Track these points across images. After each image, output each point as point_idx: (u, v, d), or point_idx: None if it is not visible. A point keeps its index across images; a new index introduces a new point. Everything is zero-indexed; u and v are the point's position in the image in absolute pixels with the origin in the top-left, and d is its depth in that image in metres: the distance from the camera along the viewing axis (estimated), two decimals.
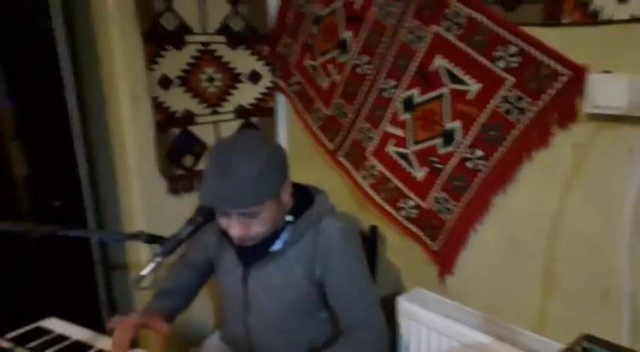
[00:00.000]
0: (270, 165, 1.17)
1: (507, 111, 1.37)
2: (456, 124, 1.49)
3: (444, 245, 1.61)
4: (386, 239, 1.81)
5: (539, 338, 1.39)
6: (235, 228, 1.18)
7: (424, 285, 1.68)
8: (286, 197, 1.26)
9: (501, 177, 1.43)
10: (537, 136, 1.34)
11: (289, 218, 1.30)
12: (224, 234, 1.35)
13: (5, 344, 1.26)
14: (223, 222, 1.21)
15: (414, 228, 1.67)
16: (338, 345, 1.26)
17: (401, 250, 1.77)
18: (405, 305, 1.58)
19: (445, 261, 1.62)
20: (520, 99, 1.34)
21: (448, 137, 1.51)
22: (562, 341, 1.34)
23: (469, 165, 1.48)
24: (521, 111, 1.35)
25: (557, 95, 1.28)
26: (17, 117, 1.86)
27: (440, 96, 1.51)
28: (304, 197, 1.34)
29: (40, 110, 1.88)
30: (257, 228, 1.20)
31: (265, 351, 1.40)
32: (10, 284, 1.72)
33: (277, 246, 1.31)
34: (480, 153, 1.45)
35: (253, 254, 1.31)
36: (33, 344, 1.28)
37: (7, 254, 1.75)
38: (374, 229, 1.73)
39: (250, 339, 1.40)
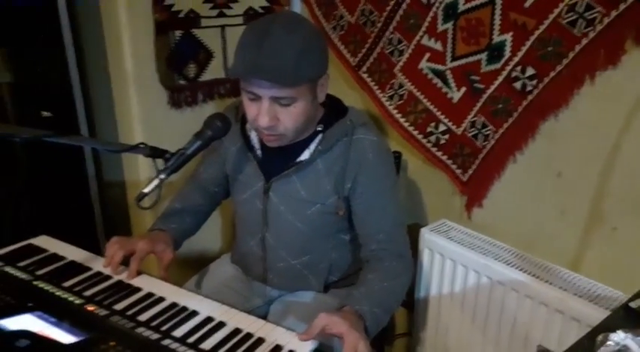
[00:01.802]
0: (314, 43, 1.05)
1: (572, 23, 1.17)
2: (507, 37, 1.29)
3: (476, 175, 1.47)
4: (409, 166, 1.66)
5: (578, 277, 1.29)
6: (264, 115, 1.05)
7: (449, 218, 1.56)
8: (322, 95, 1.13)
9: (554, 100, 1.26)
10: (605, 54, 1.16)
11: (319, 127, 1.18)
12: (246, 143, 1.22)
13: None
14: (252, 108, 1.08)
15: (443, 156, 1.52)
16: (367, 277, 1.16)
17: (425, 179, 1.63)
18: (429, 237, 1.47)
19: (475, 192, 1.48)
20: (590, 7, 1.14)
21: (495, 52, 1.32)
22: (603, 281, 1.25)
23: (517, 85, 1.30)
24: (590, 22, 1.15)
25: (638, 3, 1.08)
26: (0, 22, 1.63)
27: (490, 2, 1.30)
28: (336, 107, 1.22)
29: (26, 11, 1.64)
30: (287, 121, 1.08)
31: (280, 272, 1.31)
32: None
33: (305, 155, 1.19)
34: (531, 71, 1.27)
35: (277, 165, 1.19)
36: (24, 262, 1.15)
37: None
38: (397, 156, 1.58)
39: (266, 259, 1.31)
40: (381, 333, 1.62)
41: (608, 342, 0.64)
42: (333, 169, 1.18)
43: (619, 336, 0.65)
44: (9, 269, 1.11)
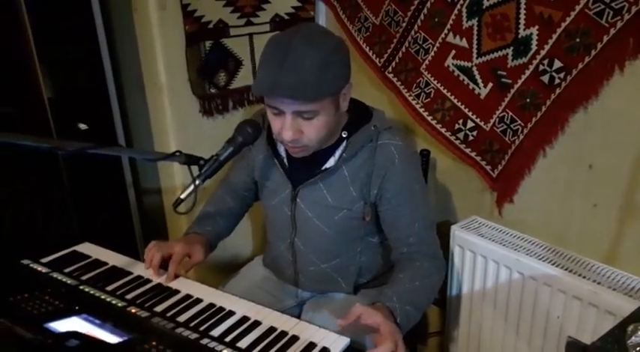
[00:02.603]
0: (336, 56, 1.04)
1: (599, 13, 1.15)
2: (533, 31, 1.28)
3: (505, 170, 1.45)
4: (437, 164, 1.66)
5: (612, 270, 1.26)
6: (287, 129, 1.07)
7: (479, 214, 1.55)
8: (345, 104, 1.14)
9: (583, 92, 1.24)
10: (634, 43, 1.13)
11: (344, 134, 1.19)
12: (273, 152, 1.25)
13: (41, 269, 1.20)
14: (275, 122, 1.09)
15: (472, 153, 1.51)
16: (398, 276, 1.17)
17: (454, 177, 1.63)
18: (460, 234, 1.46)
19: (505, 188, 1.47)
20: None
21: (522, 46, 1.31)
22: (636, 273, 1.23)
23: (545, 79, 1.29)
24: (617, 12, 1.13)
25: None
26: (40, 38, 1.71)
27: None
28: (360, 112, 1.22)
29: (64, 28, 1.72)
30: (311, 133, 1.09)
31: (311, 275, 1.34)
32: (41, 208, 1.66)
33: (330, 163, 1.20)
34: (559, 64, 1.26)
35: (303, 172, 1.21)
36: (70, 268, 1.21)
37: (39, 178, 1.68)
38: (425, 154, 1.58)
39: (296, 262, 1.33)
40: (414, 332, 1.63)
41: (639, 332, 0.64)
42: (359, 175, 1.19)
43: None
44: (56, 275, 1.18)
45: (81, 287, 1.13)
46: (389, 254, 1.28)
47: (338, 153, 1.20)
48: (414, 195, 1.20)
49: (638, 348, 0.62)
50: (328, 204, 1.21)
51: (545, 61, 1.28)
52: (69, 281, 1.15)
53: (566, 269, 1.27)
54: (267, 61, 1.04)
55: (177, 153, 1.10)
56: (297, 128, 1.07)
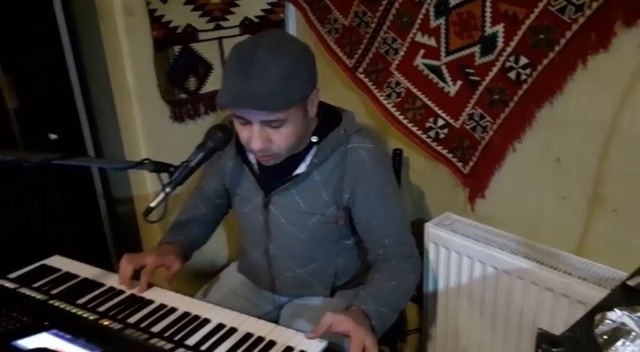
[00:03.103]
0: (300, 64, 1.03)
1: (562, 9, 1.18)
2: (499, 28, 1.30)
3: (477, 166, 1.47)
4: (410, 163, 1.67)
5: (582, 260, 1.29)
6: (256, 139, 1.05)
7: (453, 211, 1.57)
8: (313, 110, 1.12)
9: (549, 87, 1.26)
10: (596, 37, 1.16)
11: (314, 139, 1.18)
12: (243, 159, 1.23)
13: (9, 285, 1.16)
14: (243, 132, 1.08)
15: (443, 150, 1.53)
16: (374, 277, 1.17)
17: (427, 174, 1.64)
18: (433, 231, 1.47)
19: (477, 183, 1.49)
20: None
21: (488, 44, 1.33)
22: (606, 262, 1.25)
23: (511, 75, 1.31)
24: (579, 8, 1.15)
25: None
26: (2, 47, 1.66)
27: None
28: (330, 116, 1.21)
29: (27, 36, 1.67)
30: (279, 141, 1.07)
31: (287, 281, 1.32)
32: (10, 221, 1.61)
33: (301, 168, 1.19)
34: (524, 61, 1.28)
35: (274, 178, 1.20)
36: (39, 283, 1.18)
37: (6, 190, 1.64)
38: (398, 153, 1.59)
39: (272, 269, 1.32)
40: (393, 329, 1.63)
41: (606, 320, 0.66)
42: (330, 180, 1.18)
43: (616, 314, 0.66)
44: (25, 291, 1.15)
45: (50, 301, 1.11)
46: (365, 255, 1.29)
47: (309, 158, 1.19)
48: (386, 197, 1.20)
49: (605, 336, 0.64)
50: (301, 210, 1.21)
51: (512, 58, 1.30)
52: (38, 297, 1.12)
53: (538, 262, 1.29)
54: (231, 72, 1.02)
55: (146, 161, 1.08)
56: (265, 137, 1.06)
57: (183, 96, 1.66)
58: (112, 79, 1.64)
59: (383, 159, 1.23)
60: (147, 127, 1.62)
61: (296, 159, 1.18)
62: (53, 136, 1.74)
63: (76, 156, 1.00)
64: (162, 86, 1.60)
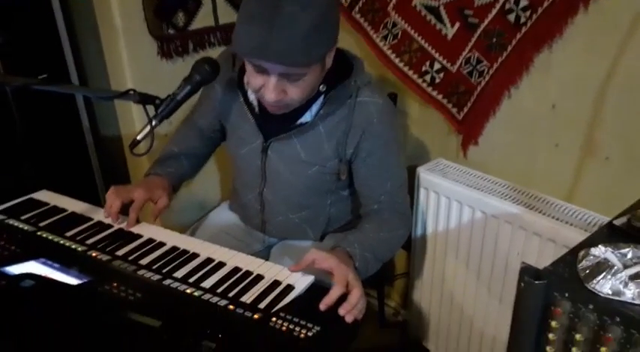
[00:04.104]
0: (327, 19, 0.97)
1: None
2: None
3: (471, 112, 1.45)
4: (405, 107, 1.65)
5: (571, 207, 1.29)
6: (272, 91, 1.00)
7: (445, 157, 1.56)
8: (329, 61, 1.07)
9: (548, 30, 1.23)
10: None
11: (322, 88, 1.12)
12: (243, 97, 1.19)
13: None
14: (257, 80, 1.02)
15: (438, 95, 1.50)
16: (364, 226, 1.18)
17: (421, 119, 1.62)
18: (424, 176, 1.47)
19: (470, 130, 1.48)
20: None
21: None
22: (595, 210, 1.26)
23: (510, 17, 1.27)
24: None
25: None
26: None
27: None
28: (341, 64, 1.14)
29: None
30: (295, 94, 1.03)
31: (278, 225, 1.33)
32: None
33: (306, 118, 1.15)
34: (525, 2, 1.24)
35: (275, 124, 1.16)
36: (26, 215, 1.18)
37: None
38: (392, 97, 1.56)
39: (264, 212, 1.32)
40: (380, 274, 1.66)
41: (589, 256, 0.66)
42: (335, 133, 1.15)
43: (599, 250, 0.66)
44: (12, 222, 1.14)
45: (39, 233, 1.11)
46: (358, 206, 1.29)
47: (315, 108, 1.14)
48: (389, 155, 1.19)
49: (587, 271, 0.64)
50: (301, 159, 1.18)
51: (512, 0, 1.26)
52: (26, 228, 1.12)
53: (527, 207, 1.29)
54: (253, 19, 0.94)
55: (131, 92, 1.05)
56: (281, 89, 1.01)
57: (172, 32, 1.60)
58: (97, 13, 1.57)
59: (391, 115, 1.19)
60: (134, 64, 1.57)
61: (302, 107, 1.12)
62: (42, 76, 1.69)
63: (57, 84, 0.96)
64: (149, 20, 1.53)
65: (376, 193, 1.21)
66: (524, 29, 1.26)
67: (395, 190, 1.21)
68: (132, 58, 1.56)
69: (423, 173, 1.47)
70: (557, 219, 1.23)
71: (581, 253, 0.68)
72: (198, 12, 1.64)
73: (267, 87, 1.01)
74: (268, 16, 0.92)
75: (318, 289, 0.97)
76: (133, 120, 1.60)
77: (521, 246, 1.28)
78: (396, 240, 1.21)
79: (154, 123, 1.05)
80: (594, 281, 0.63)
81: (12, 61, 1.60)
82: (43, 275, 0.90)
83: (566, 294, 0.64)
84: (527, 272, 0.66)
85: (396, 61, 1.56)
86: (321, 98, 1.13)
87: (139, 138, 1.05)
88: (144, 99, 1.05)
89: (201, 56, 1.64)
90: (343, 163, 1.18)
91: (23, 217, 1.17)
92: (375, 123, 1.14)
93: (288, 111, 1.10)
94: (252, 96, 1.19)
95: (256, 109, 1.19)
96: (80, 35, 1.70)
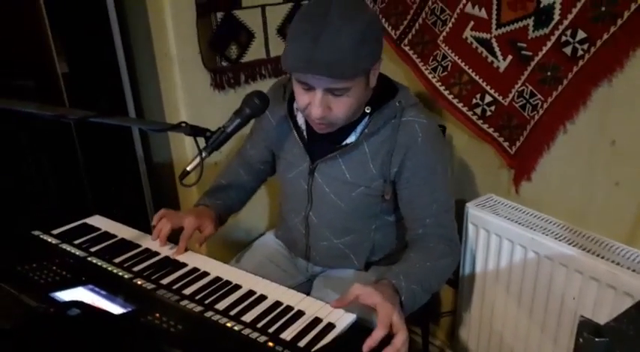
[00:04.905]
0: (371, 32, 1.00)
1: None
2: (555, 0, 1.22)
3: (523, 147, 1.41)
4: (454, 141, 1.61)
5: (633, 250, 1.22)
6: (317, 106, 1.03)
7: (496, 192, 1.51)
8: (374, 80, 1.09)
9: (607, 64, 1.18)
10: None
11: (367, 109, 1.14)
12: (293, 124, 1.21)
13: (52, 240, 1.20)
14: (304, 98, 1.06)
15: (489, 129, 1.46)
16: (409, 255, 1.14)
17: (471, 153, 1.58)
18: (474, 212, 1.43)
19: (523, 165, 1.43)
20: None
21: (543, 16, 1.25)
22: None
23: (567, 51, 1.23)
24: None
25: None
26: (53, 16, 1.70)
27: None
28: (386, 86, 1.17)
29: (75, 4, 1.70)
30: (339, 110, 1.05)
31: (322, 250, 1.32)
32: (55, 181, 1.67)
33: (351, 138, 1.17)
34: (582, 35, 1.20)
35: (322, 146, 1.18)
36: (79, 240, 1.22)
37: (54, 151, 1.69)
38: (441, 129, 1.53)
39: (309, 237, 1.32)
40: (426, 311, 1.60)
41: None
42: (379, 152, 1.15)
43: None
44: (65, 247, 1.18)
45: (89, 258, 1.14)
46: (404, 233, 1.26)
47: (360, 128, 1.16)
48: (434, 176, 1.16)
49: None
50: (346, 180, 1.19)
51: (568, 32, 1.22)
52: (77, 253, 1.16)
53: (584, 249, 1.22)
54: (301, 35, 0.99)
55: (183, 124, 1.08)
56: (326, 105, 1.04)
57: (225, 64, 1.65)
58: (155, 45, 1.64)
59: (436, 136, 1.18)
60: (188, 94, 1.62)
61: (347, 128, 1.15)
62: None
63: (113, 116, 1.00)
64: (204, 53, 1.59)
65: (421, 216, 1.17)
66: (581, 63, 1.22)
67: (441, 214, 1.18)
68: (186, 88, 1.61)
69: (473, 209, 1.42)
70: (617, 264, 1.15)
71: None
72: (251, 45, 1.68)
73: (312, 103, 1.04)
74: (315, 31, 0.96)
75: (360, 328, 0.95)
76: (185, 151, 1.65)
77: (577, 290, 1.21)
78: (443, 270, 1.16)
79: (203, 155, 1.07)
80: None
81: (74, 91, 1.69)
82: (90, 302, 0.91)
83: None
84: (587, 328, 0.62)
85: (446, 93, 1.53)
86: (366, 119, 1.15)
87: (188, 169, 1.08)
88: (195, 131, 1.08)
89: (252, 88, 1.72)
90: (388, 184, 1.17)
91: (76, 242, 1.21)
92: (419, 142, 1.13)
93: (333, 129, 1.12)
94: (301, 121, 1.23)
95: (304, 133, 1.22)
96: (138, 66, 1.78)
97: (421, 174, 1.15)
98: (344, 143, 1.17)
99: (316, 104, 1.03)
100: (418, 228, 1.18)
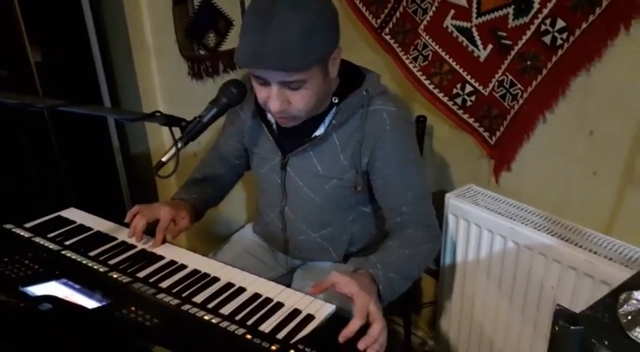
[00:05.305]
0: (322, 20, 0.97)
1: None
2: None
3: (503, 137, 1.41)
4: (434, 131, 1.61)
5: (610, 239, 1.23)
6: (274, 100, 1.01)
7: (476, 183, 1.51)
8: (334, 70, 1.07)
9: (586, 53, 1.18)
10: None
11: (334, 99, 1.13)
12: (262, 118, 1.20)
13: (24, 234, 1.17)
14: (261, 93, 1.04)
15: (470, 119, 1.46)
16: (387, 244, 1.13)
17: (451, 144, 1.58)
18: (454, 202, 1.43)
19: (503, 155, 1.43)
20: None
21: (523, 5, 1.24)
22: (636, 243, 1.20)
23: (546, 39, 1.23)
24: None
25: None
26: (27, 5, 1.65)
27: None
28: (353, 76, 1.15)
29: None
30: (299, 103, 1.03)
31: (301, 244, 1.31)
32: (27, 172, 1.63)
33: (320, 130, 1.15)
34: (561, 24, 1.19)
35: (293, 140, 1.16)
36: (53, 234, 1.19)
37: (27, 143, 1.65)
38: (422, 120, 1.52)
39: (286, 231, 1.31)
40: (407, 301, 1.61)
41: (632, 300, 0.61)
42: (349, 143, 1.14)
43: None
44: (39, 240, 1.15)
45: (63, 252, 1.11)
46: (382, 223, 1.25)
47: (328, 119, 1.14)
48: (406, 163, 1.15)
49: (629, 317, 0.59)
50: (318, 173, 1.18)
51: (548, 21, 1.21)
52: (51, 246, 1.13)
53: (562, 239, 1.23)
54: (248, 29, 0.98)
55: (157, 114, 1.05)
56: (284, 98, 1.02)
57: (202, 52, 1.62)
58: (131, 33, 1.60)
59: (405, 123, 1.17)
60: (165, 83, 1.59)
61: (315, 120, 1.14)
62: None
63: (84, 105, 0.97)
64: (180, 41, 1.56)
65: (397, 204, 1.16)
66: (560, 52, 1.22)
67: (417, 201, 1.17)
68: (163, 77, 1.58)
69: (453, 199, 1.42)
70: (595, 253, 1.16)
71: (623, 296, 0.63)
72: (229, 33, 1.65)
73: (270, 97, 1.02)
74: (262, 24, 0.94)
75: (339, 319, 0.94)
76: (163, 141, 1.62)
77: (555, 279, 1.22)
78: (422, 256, 1.15)
79: (179, 145, 1.05)
80: (637, 330, 0.58)
81: (48, 80, 1.65)
82: (63, 297, 0.89)
83: (606, 342, 0.59)
84: (562, 316, 0.62)
85: (426, 83, 1.53)
86: (334, 109, 1.14)
87: (164, 159, 1.05)
88: (170, 121, 1.06)
89: (231, 77, 1.70)
90: (360, 174, 1.16)
91: (50, 235, 1.18)
92: (387, 131, 1.12)
93: (297, 123, 1.10)
94: (270, 115, 1.20)
95: (274, 127, 1.21)
96: (113, 55, 1.74)
97: (393, 162, 1.14)
98: (313, 135, 1.15)
99: (273, 98, 1.01)
100: (396, 216, 1.17)
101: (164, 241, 1.17)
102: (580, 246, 1.20)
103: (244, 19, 1.01)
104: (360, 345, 0.86)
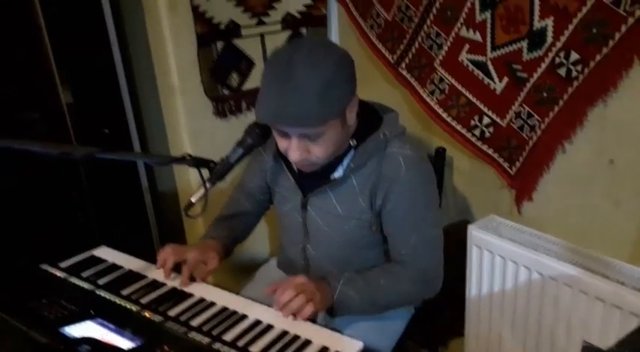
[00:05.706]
0: (338, 76, 1.00)
1: (617, 1, 1.11)
2: (548, 22, 1.24)
3: (524, 167, 1.42)
4: (454, 162, 1.63)
5: (635, 269, 1.21)
6: (294, 150, 1.05)
7: (498, 213, 1.52)
8: (352, 117, 1.10)
9: (602, 84, 1.19)
10: None
11: (352, 142, 1.15)
12: (282, 159, 1.24)
13: (60, 274, 1.22)
14: (282, 143, 1.08)
15: (489, 150, 1.48)
16: (373, 268, 1.19)
17: (471, 175, 1.59)
18: (477, 234, 1.43)
19: (524, 185, 1.43)
20: None
21: (537, 39, 1.27)
22: None
23: (561, 72, 1.25)
24: (636, 0, 1.08)
25: None
26: (56, 44, 1.74)
27: None
28: (370, 117, 1.18)
29: (79, 36, 1.74)
30: (318, 152, 1.06)
31: None
32: (61, 212, 1.69)
33: (338, 172, 1.18)
34: (575, 56, 1.21)
35: (312, 181, 1.20)
36: (86, 273, 1.23)
37: (59, 183, 1.71)
38: (441, 152, 1.55)
39: (309, 268, 1.33)
40: (434, 333, 1.60)
41: None
42: (367, 185, 1.16)
43: None
44: (73, 280, 1.20)
45: (97, 291, 1.15)
46: None
47: (346, 162, 1.17)
48: (416, 209, 1.17)
49: None
50: (338, 214, 1.20)
51: (562, 54, 1.24)
52: (85, 286, 1.17)
53: (587, 269, 1.22)
54: (267, 86, 1.01)
55: (186, 157, 1.10)
56: (304, 148, 1.06)
57: (226, 92, 1.68)
58: (157, 75, 1.68)
59: (421, 167, 1.18)
60: (191, 123, 1.65)
61: (334, 162, 1.16)
62: (106, 131, 1.81)
63: (117, 151, 1.02)
64: (205, 82, 1.63)
65: (398, 246, 1.19)
66: (575, 83, 1.24)
67: (420, 245, 1.18)
68: (189, 117, 1.65)
69: (476, 231, 1.43)
70: (622, 283, 1.15)
71: None
72: (251, 73, 1.72)
73: (290, 148, 1.06)
74: (281, 83, 0.97)
75: None
76: (190, 180, 1.67)
77: (583, 311, 1.20)
78: (398, 292, 1.17)
79: (207, 185, 1.09)
80: None
81: (79, 120, 1.73)
82: (99, 337, 0.92)
83: None
84: None
85: (444, 115, 1.55)
86: (352, 152, 1.16)
87: (193, 200, 1.10)
88: (198, 163, 1.10)
89: (254, 114, 1.74)
90: (375, 215, 1.19)
91: (83, 275, 1.22)
92: (402, 175, 1.13)
93: (317, 168, 1.13)
94: None
95: (295, 167, 1.24)
96: (141, 96, 1.82)
97: (403, 207, 1.15)
98: (332, 177, 1.18)
99: (293, 148, 1.05)
100: (396, 256, 1.21)
101: (192, 279, 1.20)
102: (606, 277, 1.19)
103: (263, 74, 1.04)
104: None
